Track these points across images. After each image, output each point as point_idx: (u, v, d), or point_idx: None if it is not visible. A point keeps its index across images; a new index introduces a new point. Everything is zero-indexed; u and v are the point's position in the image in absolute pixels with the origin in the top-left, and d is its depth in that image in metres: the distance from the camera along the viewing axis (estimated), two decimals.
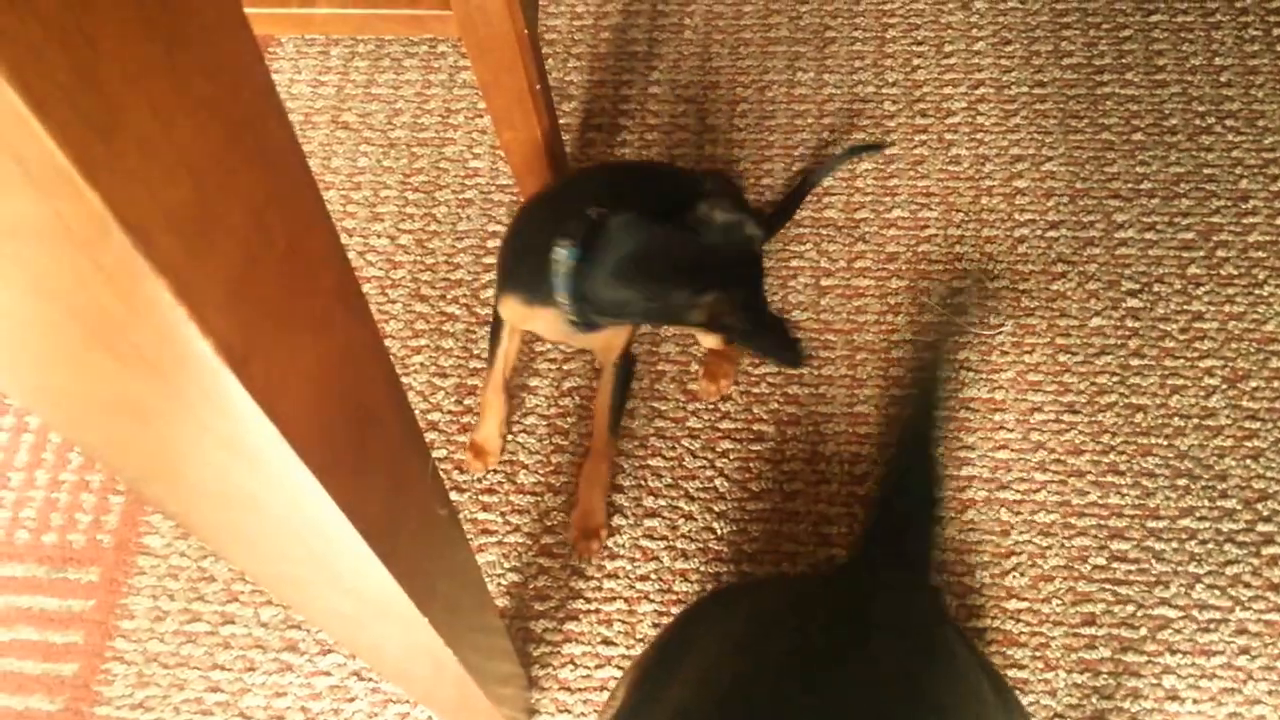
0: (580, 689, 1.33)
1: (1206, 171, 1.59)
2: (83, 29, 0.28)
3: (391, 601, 0.68)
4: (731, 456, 1.45)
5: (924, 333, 1.50)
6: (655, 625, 1.35)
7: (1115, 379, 1.45)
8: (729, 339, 1.22)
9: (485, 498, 1.44)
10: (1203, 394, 1.44)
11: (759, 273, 1.25)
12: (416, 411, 1.49)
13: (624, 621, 1.36)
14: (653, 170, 1.52)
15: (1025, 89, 1.68)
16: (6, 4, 0.25)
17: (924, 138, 1.65)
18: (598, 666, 1.34)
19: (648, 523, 1.42)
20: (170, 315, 0.34)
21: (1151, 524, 1.37)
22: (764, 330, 1.20)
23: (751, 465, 1.44)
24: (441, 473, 1.45)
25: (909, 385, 1.47)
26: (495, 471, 1.46)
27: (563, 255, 1.20)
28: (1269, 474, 1.38)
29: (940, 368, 1.46)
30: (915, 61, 1.72)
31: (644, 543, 1.40)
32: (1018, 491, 1.40)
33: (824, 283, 1.54)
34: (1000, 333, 1.49)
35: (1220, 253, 1.52)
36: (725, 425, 1.46)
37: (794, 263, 1.55)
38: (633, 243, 1.17)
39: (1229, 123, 1.62)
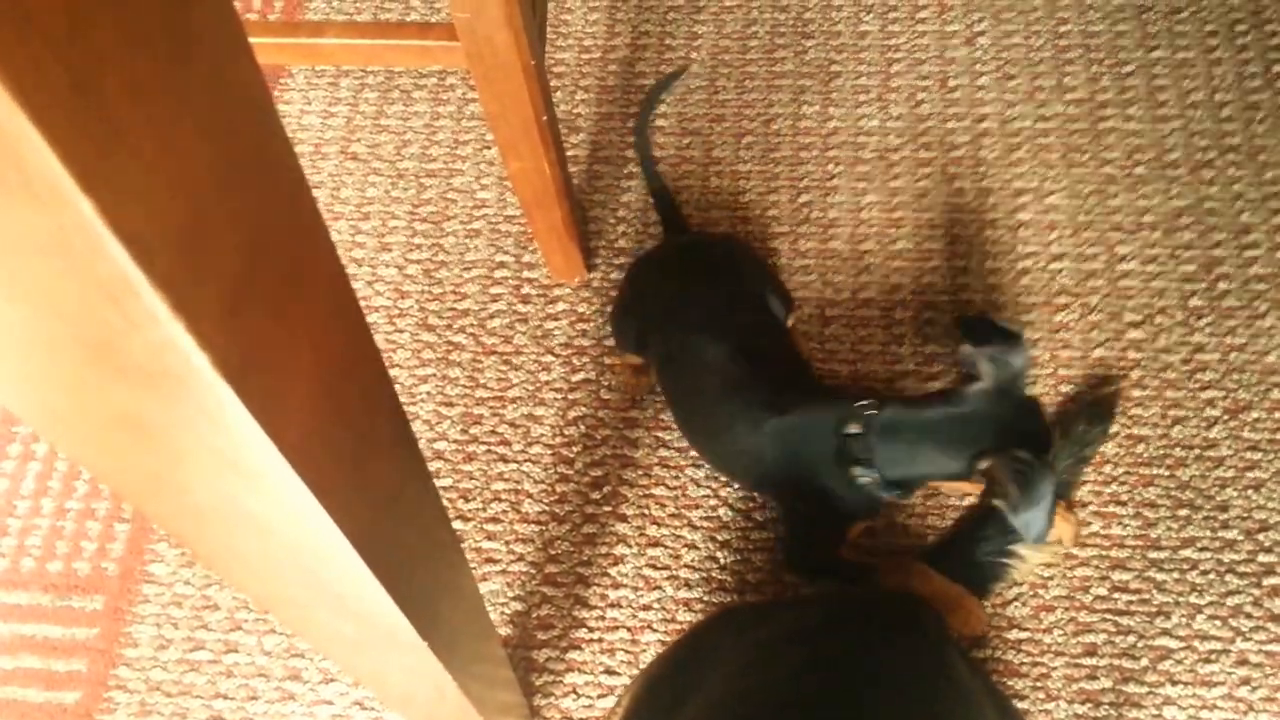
0: (582, 719, 1.34)
1: (1208, 205, 1.59)
2: (85, 45, 0.28)
3: (392, 626, 0.68)
4: (735, 485, 1.45)
5: (927, 363, 1.50)
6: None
7: (1117, 410, 1.45)
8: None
9: (490, 526, 1.45)
10: (1204, 425, 1.44)
11: (1031, 423, 1.21)
12: (423, 441, 1.50)
13: (627, 651, 1.37)
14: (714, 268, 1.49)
15: (1028, 123, 1.69)
16: (10, 19, 0.25)
17: (928, 171, 1.66)
18: (600, 696, 1.34)
19: (651, 552, 1.42)
20: (169, 329, 0.35)
21: (1153, 554, 1.37)
22: (1029, 499, 1.14)
23: (756, 494, 1.44)
24: (445, 502, 1.46)
25: None
26: (500, 501, 1.47)
27: (867, 480, 1.25)
28: (1270, 505, 1.38)
29: None
30: (920, 95, 1.74)
31: (647, 572, 1.41)
32: None
33: (829, 313, 1.55)
34: None
35: (1222, 285, 1.53)
36: None
37: (800, 293, 1.56)
38: (907, 438, 1.22)
39: (1230, 157, 1.63)
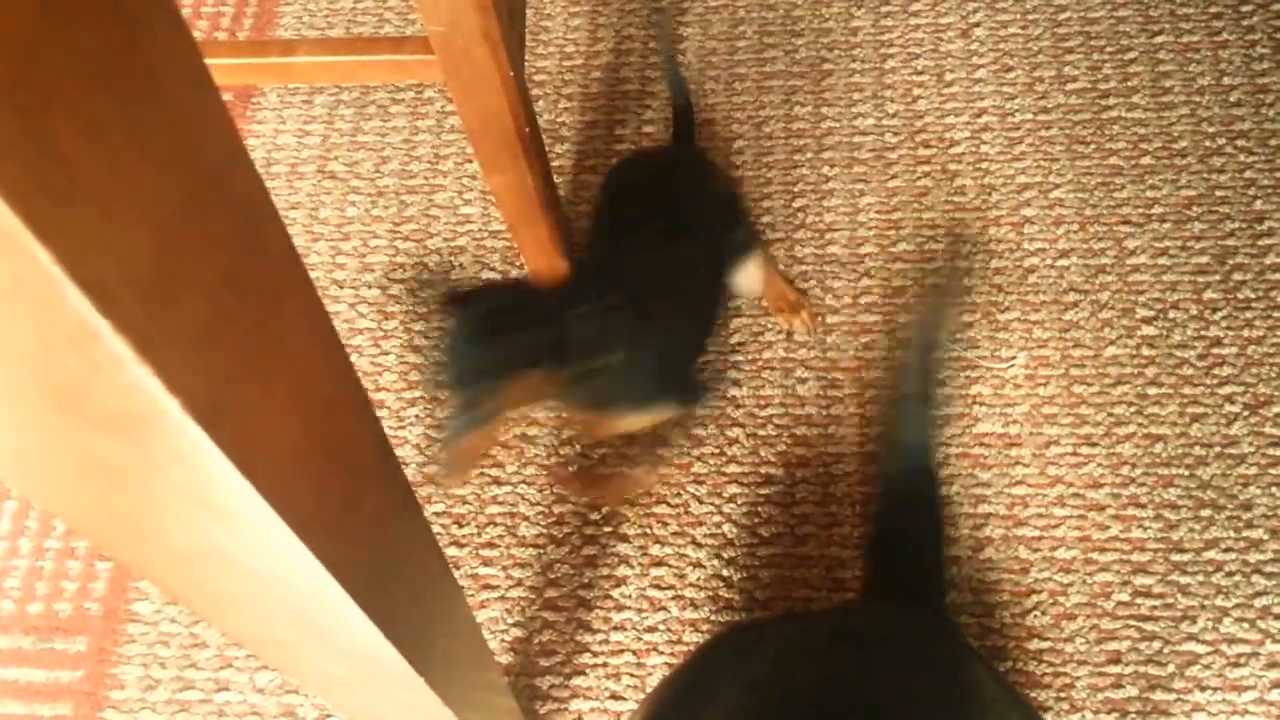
0: None
1: (1219, 194, 1.56)
2: (35, 88, 0.28)
3: (385, 662, 0.66)
4: (739, 501, 1.41)
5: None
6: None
7: (1133, 409, 1.42)
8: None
9: (485, 552, 1.41)
10: (1224, 421, 1.41)
11: None
12: (413, 465, 1.46)
13: (632, 675, 1.33)
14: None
15: (1029, 116, 1.66)
16: None
17: (927, 169, 1.63)
18: None
19: (654, 572, 1.38)
20: (134, 374, 0.34)
21: (1176, 557, 1.33)
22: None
23: (760, 510, 1.41)
24: (439, 528, 1.42)
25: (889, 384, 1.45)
26: (495, 525, 1.42)
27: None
28: None
29: (933, 348, 1.38)
30: (916, 91, 1.70)
31: (651, 593, 1.37)
32: (1036, 528, 1.36)
33: (830, 320, 1.51)
34: (1012, 365, 1.46)
35: (1236, 276, 1.50)
36: (732, 469, 1.43)
37: None
38: None
39: (1240, 143, 1.60)
